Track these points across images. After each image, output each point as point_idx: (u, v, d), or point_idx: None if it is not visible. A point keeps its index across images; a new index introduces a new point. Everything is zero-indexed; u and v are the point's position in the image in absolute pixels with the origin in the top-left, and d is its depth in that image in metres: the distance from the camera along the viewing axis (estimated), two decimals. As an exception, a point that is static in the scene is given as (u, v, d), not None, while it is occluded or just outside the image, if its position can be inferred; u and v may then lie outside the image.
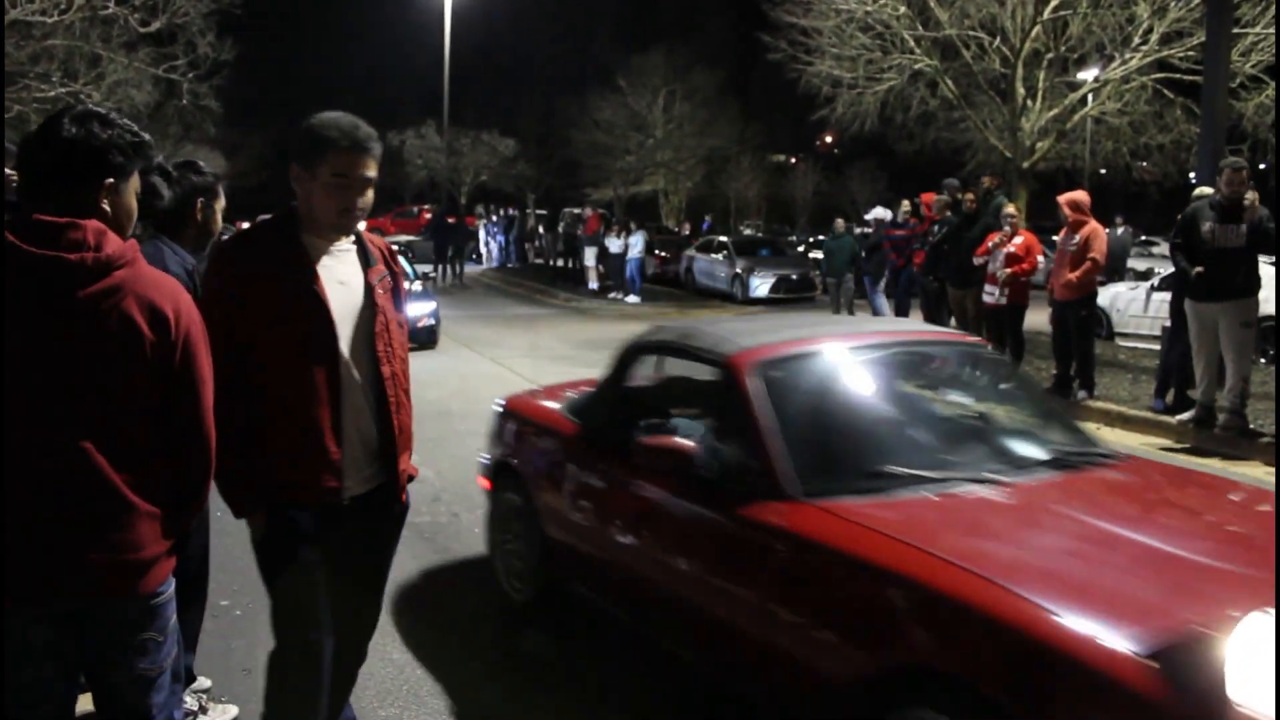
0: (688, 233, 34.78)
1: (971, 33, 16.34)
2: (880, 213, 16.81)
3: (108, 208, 2.43)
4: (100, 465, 2.36)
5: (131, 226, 2.54)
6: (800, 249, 29.97)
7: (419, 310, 14.88)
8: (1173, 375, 9.96)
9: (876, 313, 16.34)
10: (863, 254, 16.33)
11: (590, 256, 26.50)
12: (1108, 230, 21.12)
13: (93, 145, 2.39)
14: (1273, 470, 8.28)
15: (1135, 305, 14.83)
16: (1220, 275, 8.77)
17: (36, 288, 2.28)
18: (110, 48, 18.01)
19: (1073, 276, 10.35)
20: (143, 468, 2.43)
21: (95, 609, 2.42)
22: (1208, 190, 9.56)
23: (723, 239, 27.50)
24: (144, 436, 2.44)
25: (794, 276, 24.54)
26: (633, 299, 24.33)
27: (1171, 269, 10.18)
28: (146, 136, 2.51)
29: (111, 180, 2.43)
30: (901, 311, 16.26)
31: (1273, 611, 2.66)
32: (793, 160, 57.04)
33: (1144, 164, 20.97)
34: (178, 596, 2.61)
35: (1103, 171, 29.28)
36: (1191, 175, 11.11)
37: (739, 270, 24.64)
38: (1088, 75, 17.65)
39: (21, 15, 16.14)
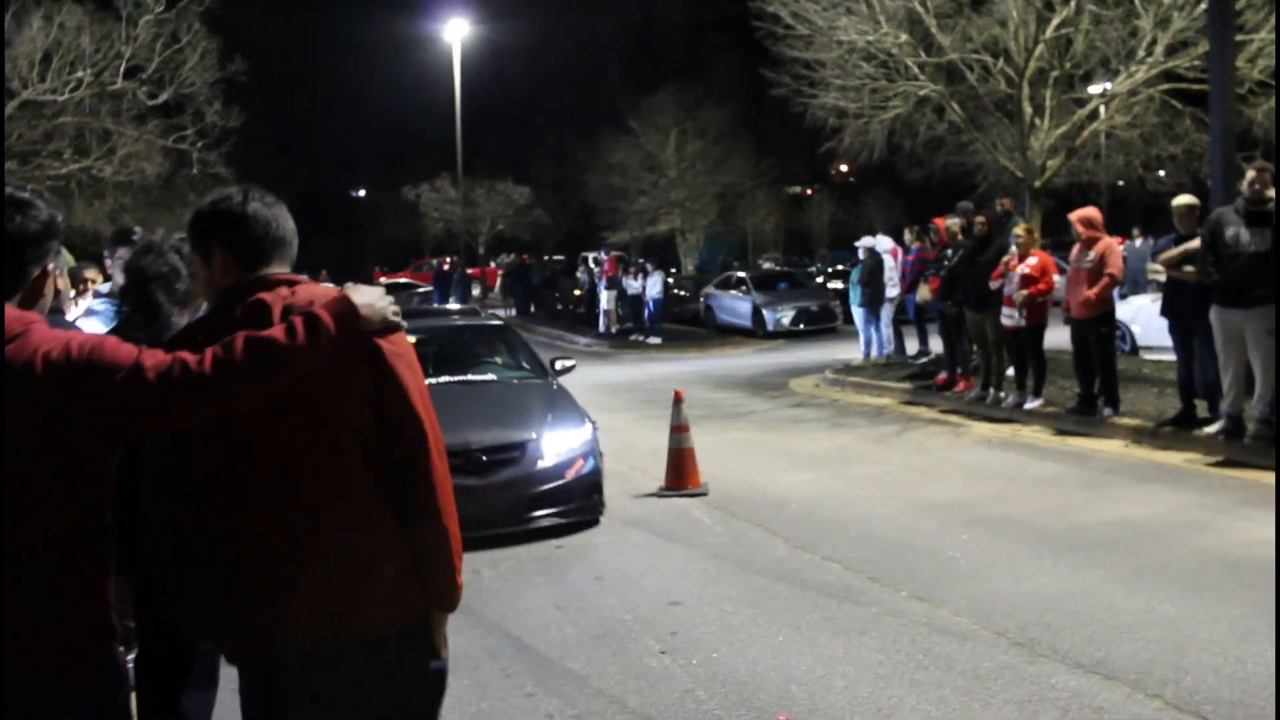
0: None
1: (975, 55, 16.26)
2: (869, 241, 16.80)
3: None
4: None
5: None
6: (819, 280, 29.89)
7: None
8: (1188, 391, 9.82)
9: (881, 345, 16.34)
10: (860, 285, 16.36)
11: (608, 300, 26.49)
12: (1126, 242, 21.00)
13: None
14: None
15: (1159, 318, 14.61)
16: (1246, 282, 8.58)
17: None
18: (120, 122, 18.29)
19: (1090, 294, 10.22)
20: None
21: None
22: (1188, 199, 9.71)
23: (741, 274, 27.47)
24: None
25: (814, 308, 24.50)
26: (654, 340, 24.31)
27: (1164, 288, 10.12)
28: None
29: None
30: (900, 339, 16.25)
31: None
32: (808, 191, 57.06)
33: (1162, 173, 20.78)
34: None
35: (1120, 184, 29.09)
36: (1208, 182, 10.97)
37: (758, 304, 24.61)
38: (1095, 90, 17.53)
39: (33, 95, 16.39)
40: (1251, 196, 8.62)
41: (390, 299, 2.56)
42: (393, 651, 2.51)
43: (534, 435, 7.90)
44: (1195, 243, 9.20)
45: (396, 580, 2.50)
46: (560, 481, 7.76)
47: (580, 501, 7.86)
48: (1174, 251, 9.47)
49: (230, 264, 2.60)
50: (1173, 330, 9.98)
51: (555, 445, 7.89)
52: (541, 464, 7.78)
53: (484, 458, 7.62)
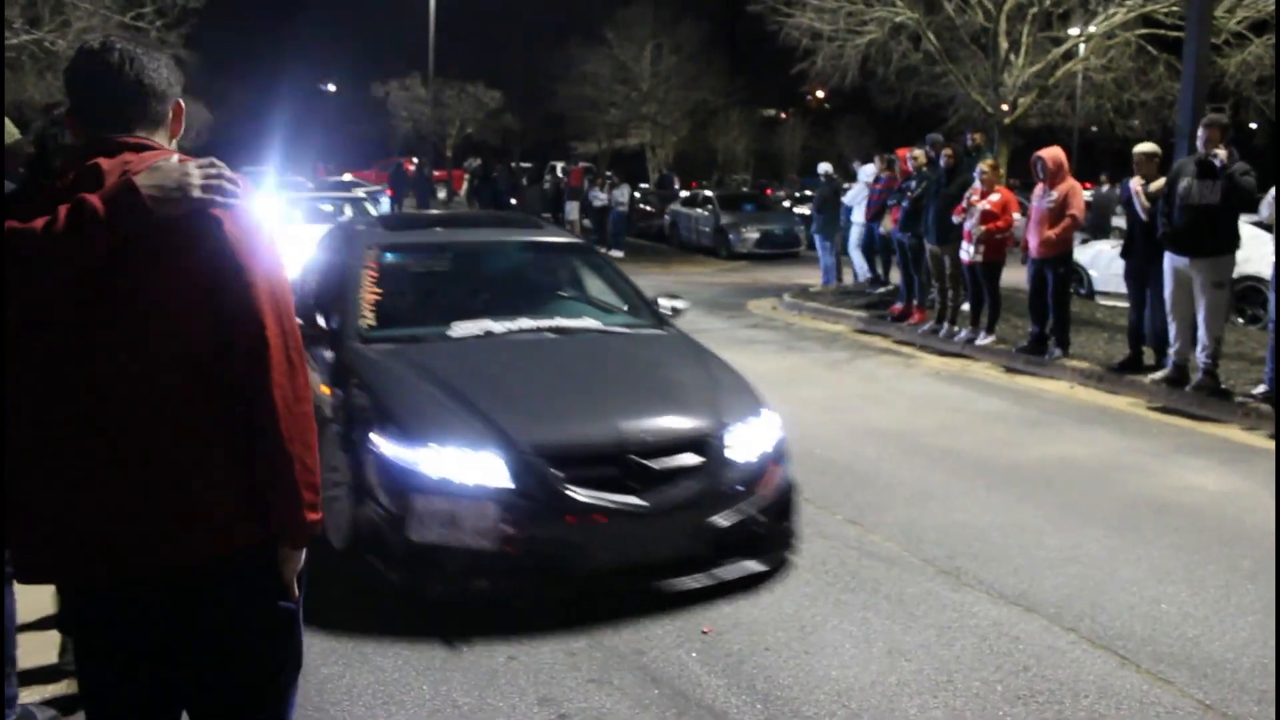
0: (676, 186, 34.53)
1: (954, -15, 16.13)
2: (826, 167, 16.75)
3: None
4: None
5: None
6: (786, 204, 29.77)
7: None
8: (1136, 337, 9.95)
9: (825, 271, 16.37)
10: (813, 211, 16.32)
11: (573, 211, 26.28)
12: (1094, 188, 21.03)
13: None
14: (1245, 432, 8.27)
15: (1117, 264, 14.64)
16: (1195, 232, 8.70)
17: None
18: (78, -8, 17.73)
19: (1051, 234, 10.27)
20: None
21: None
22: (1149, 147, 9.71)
23: (707, 193, 27.31)
24: None
25: (778, 231, 24.45)
26: (616, 253, 24.20)
27: (1127, 230, 10.16)
28: None
29: None
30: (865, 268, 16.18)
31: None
32: (782, 115, 56.65)
33: (1135, 123, 20.79)
34: None
35: (1093, 129, 29.07)
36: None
37: (723, 225, 24.51)
38: (1072, 31, 17.43)
39: (-14, -40, 15.80)
40: (1205, 151, 8.68)
41: (210, 169, 2.17)
42: (219, 582, 2.24)
43: (717, 426, 5.05)
44: (1161, 181, 9.25)
45: (226, 506, 2.21)
46: (754, 503, 5.00)
47: (774, 535, 5.16)
48: (1159, 182, 9.43)
49: (75, 123, 2.29)
50: (1128, 275, 10.05)
51: (744, 443, 5.11)
52: (729, 474, 4.97)
53: (651, 464, 4.78)
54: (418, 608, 4.66)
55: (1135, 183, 9.52)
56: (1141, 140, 10.32)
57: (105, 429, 2.15)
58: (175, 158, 2.20)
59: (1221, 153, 8.56)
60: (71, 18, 18.20)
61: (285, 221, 14.26)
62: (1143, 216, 9.40)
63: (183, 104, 2.36)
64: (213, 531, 2.20)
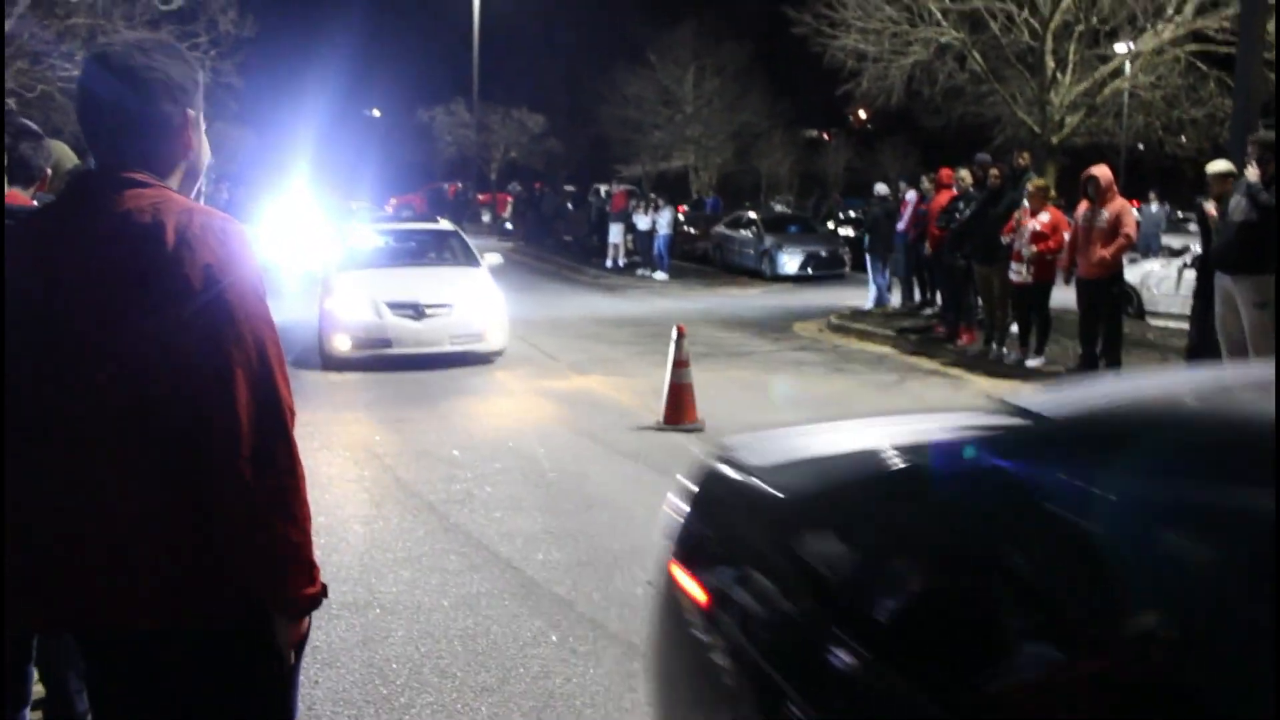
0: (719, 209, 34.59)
1: (1000, 4, 16.06)
2: (882, 189, 16.68)
3: None
4: None
5: None
6: (830, 225, 29.71)
7: None
8: (1194, 356, 9.85)
9: (875, 292, 16.32)
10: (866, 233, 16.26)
11: (616, 234, 26.38)
12: (1141, 206, 20.85)
13: None
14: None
15: (1167, 284, 14.59)
16: (1235, 249, 8.64)
17: None
18: (132, 25, 18.04)
19: (1105, 253, 10.18)
20: None
21: None
22: (1222, 165, 9.57)
23: (751, 215, 27.34)
24: None
25: (823, 253, 24.40)
26: (661, 275, 24.24)
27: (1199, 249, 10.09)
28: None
29: None
30: (907, 290, 16.10)
31: None
32: (824, 135, 56.65)
33: (1182, 139, 20.59)
34: None
35: (1140, 147, 28.82)
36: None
37: (767, 247, 24.51)
38: (1120, 47, 17.33)
39: (45, -6, 16.24)
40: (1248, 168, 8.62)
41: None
42: (161, 655, 2.05)
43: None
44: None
45: (161, 572, 2.00)
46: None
47: None
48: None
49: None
50: (1197, 293, 9.94)
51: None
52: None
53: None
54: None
55: (1209, 205, 9.45)
56: (1192, 158, 10.25)
57: (52, 472, 2.01)
58: (172, 199, 2.02)
59: (1252, 171, 8.49)
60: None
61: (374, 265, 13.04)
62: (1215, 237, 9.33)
63: (191, 113, 2.12)
64: (145, 599, 2.02)
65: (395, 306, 11.71)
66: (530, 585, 5.34)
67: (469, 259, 13.29)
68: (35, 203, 3.44)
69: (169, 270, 1.93)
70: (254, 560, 2.03)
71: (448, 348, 11.74)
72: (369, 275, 12.38)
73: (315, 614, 2.18)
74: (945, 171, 13.90)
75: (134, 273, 1.94)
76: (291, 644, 2.16)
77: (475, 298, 12.08)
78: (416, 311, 11.67)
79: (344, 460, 7.72)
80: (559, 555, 5.78)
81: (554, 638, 4.72)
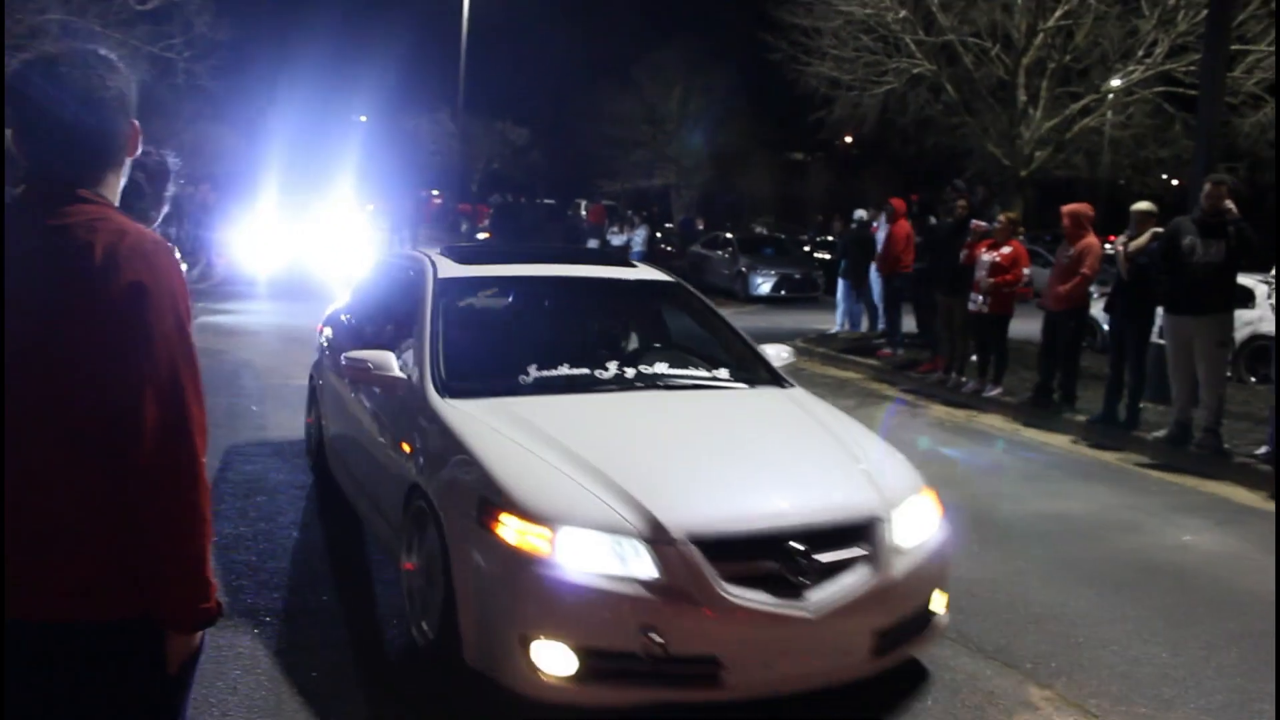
0: (701, 227, 34.61)
1: (973, 39, 16.24)
2: (861, 214, 16.77)
3: None
4: None
5: None
6: (806, 249, 29.82)
7: None
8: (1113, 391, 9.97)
9: (843, 317, 16.38)
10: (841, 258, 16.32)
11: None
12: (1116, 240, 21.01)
13: None
14: (1247, 491, 8.26)
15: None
16: (1199, 291, 8.74)
17: None
18: (106, 24, 17.95)
19: (1061, 290, 10.32)
20: None
21: None
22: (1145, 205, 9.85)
23: (728, 236, 27.42)
24: None
25: (796, 276, 24.50)
26: (633, 293, 24.29)
27: (1110, 287, 10.25)
28: None
29: None
30: (873, 316, 16.15)
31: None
32: (805, 159, 56.90)
33: (1165, 175, 20.89)
34: None
35: (1121, 182, 29.10)
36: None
37: (741, 268, 24.59)
38: (1095, 84, 17.54)
39: (19, -13, 16.15)
40: (1208, 208, 8.73)
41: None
42: (85, 647, 2.09)
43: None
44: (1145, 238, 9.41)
45: (79, 565, 2.06)
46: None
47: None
48: (1140, 240, 9.55)
49: (21, 154, 2.12)
50: (1111, 330, 10.14)
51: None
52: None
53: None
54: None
55: (1119, 242, 9.71)
56: (1160, 196, 10.42)
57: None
58: (110, 217, 2.10)
59: (1232, 206, 8.63)
60: (101, 48, 18.50)
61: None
62: (1123, 276, 9.54)
63: (137, 124, 2.22)
64: (66, 591, 2.07)
65: (732, 547, 3.95)
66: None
67: (753, 364, 5.84)
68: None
69: (93, 287, 2.01)
70: (149, 570, 2.08)
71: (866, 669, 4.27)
72: (548, 418, 4.71)
73: (243, 620, 2.19)
74: (897, 201, 14.04)
75: (60, 287, 2.02)
76: (180, 657, 2.19)
77: (888, 497, 4.37)
78: (796, 569, 3.91)
79: (293, 467, 7.71)
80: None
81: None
